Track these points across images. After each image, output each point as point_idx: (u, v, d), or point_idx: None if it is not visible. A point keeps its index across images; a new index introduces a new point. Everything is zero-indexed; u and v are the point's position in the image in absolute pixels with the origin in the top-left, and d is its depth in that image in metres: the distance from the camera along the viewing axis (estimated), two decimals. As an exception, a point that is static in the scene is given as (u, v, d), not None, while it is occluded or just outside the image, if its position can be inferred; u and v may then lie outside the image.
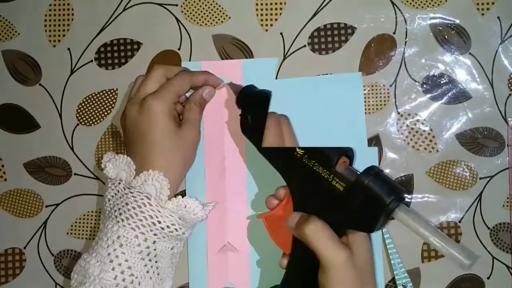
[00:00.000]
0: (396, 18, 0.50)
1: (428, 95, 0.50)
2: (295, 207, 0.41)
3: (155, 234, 0.41)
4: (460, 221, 0.50)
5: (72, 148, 0.53)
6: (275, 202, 0.44)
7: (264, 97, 0.45)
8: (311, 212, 0.39)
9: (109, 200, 0.43)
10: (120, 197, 0.42)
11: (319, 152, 0.39)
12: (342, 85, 0.50)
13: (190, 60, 0.51)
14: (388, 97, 0.50)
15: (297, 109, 0.49)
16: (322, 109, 0.50)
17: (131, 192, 0.42)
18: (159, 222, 0.41)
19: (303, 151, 0.40)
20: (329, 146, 0.40)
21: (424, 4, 0.50)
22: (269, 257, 0.49)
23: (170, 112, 0.44)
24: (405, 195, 0.37)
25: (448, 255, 0.34)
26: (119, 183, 0.43)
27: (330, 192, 0.38)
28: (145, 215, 0.41)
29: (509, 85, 0.49)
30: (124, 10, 0.52)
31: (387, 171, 0.50)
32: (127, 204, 0.41)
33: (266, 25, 0.51)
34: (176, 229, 0.42)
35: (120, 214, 0.41)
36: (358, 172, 0.38)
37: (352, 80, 0.50)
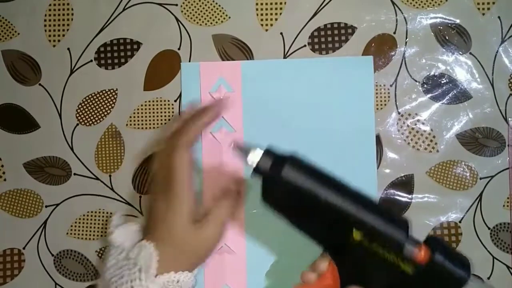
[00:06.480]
0: (396, 18, 0.50)
1: (429, 95, 0.50)
2: (346, 281, 0.37)
3: None
4: (460, 221, 0.50)
5: (72, 148, 0.53)
6: (314, 277, 0.39)
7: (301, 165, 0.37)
8: None
9: (108, 269, 0.42)
10: (119, 268, 0.41)
11: (383, 235, 0.35)
12: (352, 67, 0.50)
13: (190, 61, 0.51)
14: (389, 97, 0.50)
15: (305, 89, 0.48)
16: (331, 90, 0.49)
17: (127, 264, 0.40)
18: None
19: (361, 235, 0.35)
20: (391, 223, 0.35)
21: (425, 4, 0.50)
22: (266, 260, 0.49)
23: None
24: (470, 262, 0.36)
25: None
26: (121, 253, 0.42)
27: (397, 275, 0.35)
28: None
29: (510, 85, 0.49)
30: (124, 10, 0.52)
31: (387, 171, 0.50)
32: (122, 277, 0.40)
33: (266, 25, 0.51)
34: None
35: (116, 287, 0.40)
36: (420, 242, 0.35)
37: (363, 63, 0.50)
